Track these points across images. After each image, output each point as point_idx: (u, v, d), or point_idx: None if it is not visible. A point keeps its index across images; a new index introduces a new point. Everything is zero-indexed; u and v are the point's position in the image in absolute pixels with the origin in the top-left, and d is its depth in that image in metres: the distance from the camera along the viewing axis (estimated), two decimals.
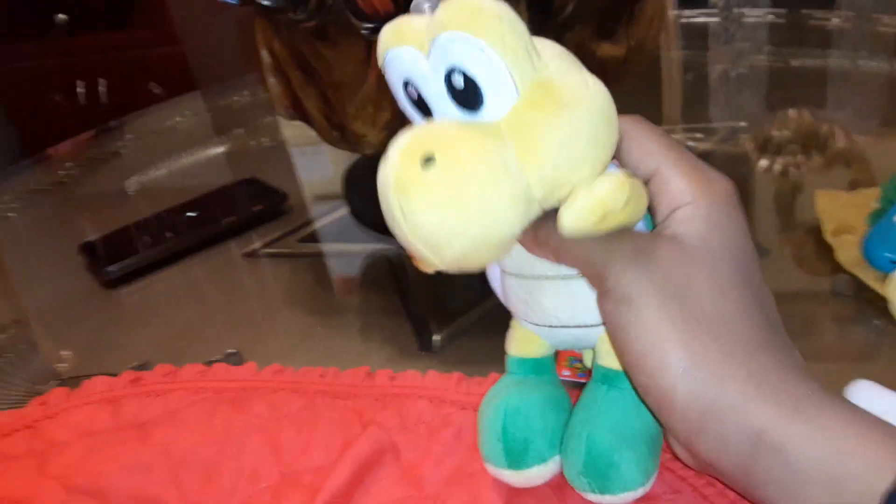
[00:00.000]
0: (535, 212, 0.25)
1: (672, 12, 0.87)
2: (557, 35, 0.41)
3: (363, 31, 0.39)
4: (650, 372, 0.25)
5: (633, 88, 0.49)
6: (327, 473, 0.33)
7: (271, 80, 0.47)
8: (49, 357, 0.47)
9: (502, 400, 0.30)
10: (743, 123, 0.65)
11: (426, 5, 0.25)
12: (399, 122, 0.45)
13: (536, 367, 0.31)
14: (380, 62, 0.26)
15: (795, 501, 0.23)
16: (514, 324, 0.31)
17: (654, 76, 0.79)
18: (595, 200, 0.24)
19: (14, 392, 0.44)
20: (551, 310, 0.29)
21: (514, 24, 0.24)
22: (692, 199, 0.26)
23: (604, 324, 0.27)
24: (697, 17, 0.88)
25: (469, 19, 0.23)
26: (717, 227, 0.26)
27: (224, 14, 1.74)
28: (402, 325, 0.44)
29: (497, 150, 0.23)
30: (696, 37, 0.87)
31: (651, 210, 0.27)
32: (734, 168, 0.59)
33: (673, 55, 0.83)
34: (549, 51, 0.25)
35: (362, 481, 0.33)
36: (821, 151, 0.59)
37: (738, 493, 0.27)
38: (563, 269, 0.28)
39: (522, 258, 0.28)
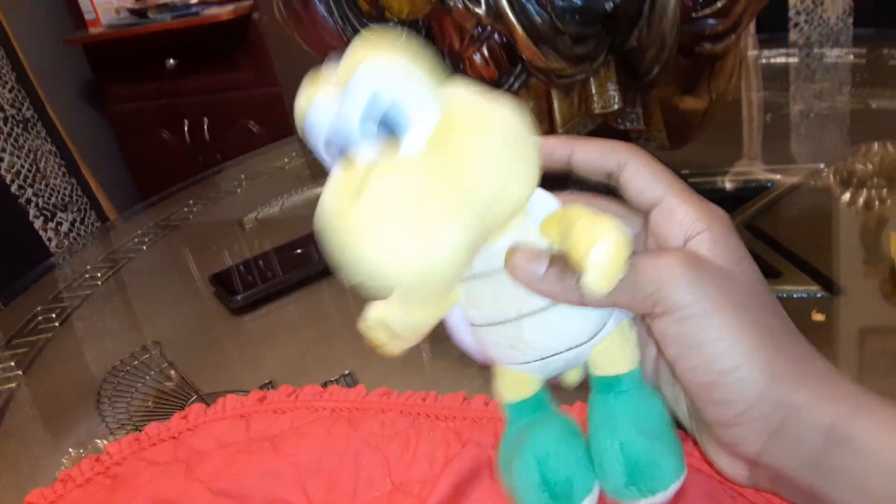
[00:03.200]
0: (476, 232, 0.25)
1: (752, 52, 0.89)
2: (644, 92, 0.45)
3: None
4: (734, 388, 0.25)
5: (713, 128, 0.51)
6: (433, 485, 0.36)
7: None
8: (185, 375, 0.53)
9: (527, 450, 0.29)
10: (822, 165, 0.65)
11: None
12: None
13: (535, 405, 0.30)
14: (299, 130, 0.26)
15: (861, 489, 0.24)
16: (498, 371, 0.31)
17: (735, 116, 0.80)
18: (614, 257, 0.24)
19: (155, 407, 0.50)
20: (540, 343, 0.28)
21: (421, 54, 0.25)
22: (706, 226, 0.27)
23: (662, 348, 0.27)
24: (777, 57, 0.90)
25: (384, 46, 0.24)
26: (735, 250, 0.27)
27: (321, 59, 1.85)
28: None
29: (423, 178, 0.24)
30: (777, 77, 0.88)
31: (657, 236, 0.28)
32: (816, 201, 0.60)
33: (753, 95, 0.85)
34: (457, 83, 0.26)
35: (463, 492, 0.36)
36: None
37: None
38: (538, 303, 0.27)
39: (492, 308, 0.28)
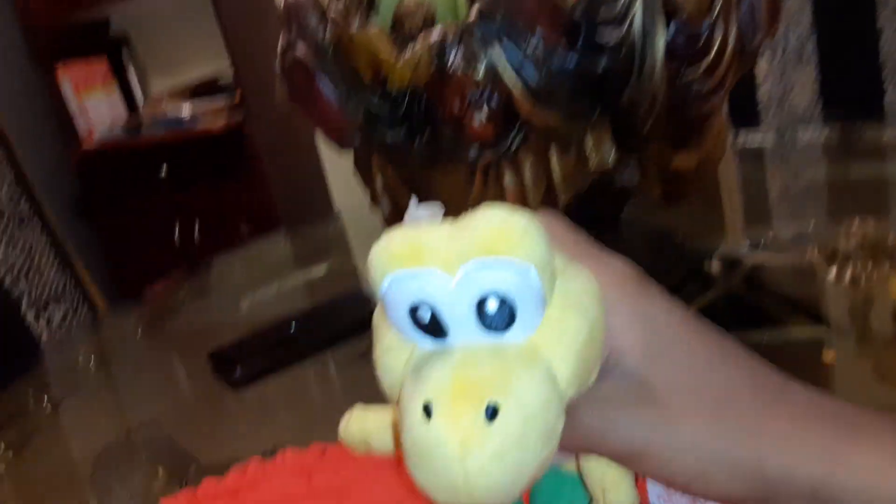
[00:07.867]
0: None
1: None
2: (640, 150, 0.47)
3: (469, 156, 0.46)
4: (701, 491, 0.26)
5: (696, 207, 0.53)
6: None
7: (384, 201, 0.54)
8: (184, 447, 0.52)
9: None
10: (808, 230, 0.67)
11: (424, 214, 0.24)
12: None
13: None
14: (379, 281, 0.23)
15: None
16: None
17: (716, 195, 0.83)
18: None
19: (153, 478, 0.49)
20: None
21: (545, 237, 0.22)
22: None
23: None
24: (752, 143, 0.94)
25: (515, 242, 0.21)
26: (635, 320, 0.25)
27: (311, 161, 1.91)
28: None
29: (551, 380, 0.22)
30: (753, 158, 0.92)
31: None
32: (803, 281, 0.60)
33: (731, 173, 0.87)
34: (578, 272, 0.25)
35: None
36: (890, 259, 0.58)
37: None
38: None
39: None
